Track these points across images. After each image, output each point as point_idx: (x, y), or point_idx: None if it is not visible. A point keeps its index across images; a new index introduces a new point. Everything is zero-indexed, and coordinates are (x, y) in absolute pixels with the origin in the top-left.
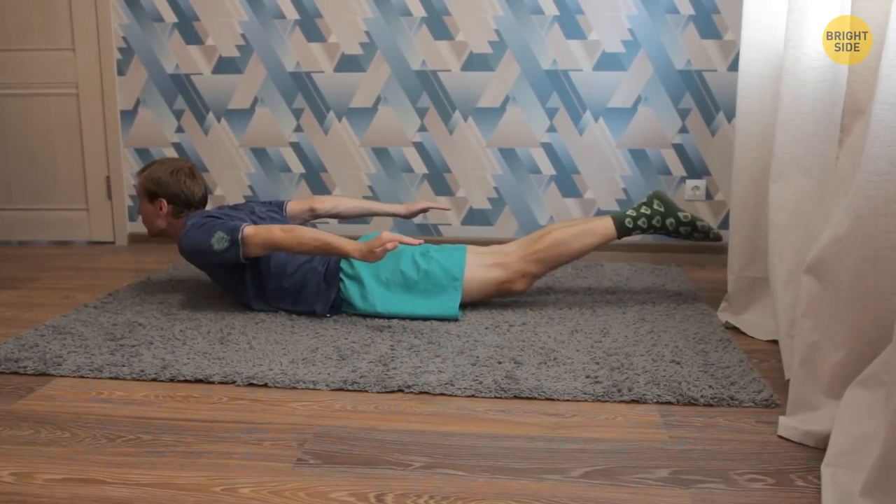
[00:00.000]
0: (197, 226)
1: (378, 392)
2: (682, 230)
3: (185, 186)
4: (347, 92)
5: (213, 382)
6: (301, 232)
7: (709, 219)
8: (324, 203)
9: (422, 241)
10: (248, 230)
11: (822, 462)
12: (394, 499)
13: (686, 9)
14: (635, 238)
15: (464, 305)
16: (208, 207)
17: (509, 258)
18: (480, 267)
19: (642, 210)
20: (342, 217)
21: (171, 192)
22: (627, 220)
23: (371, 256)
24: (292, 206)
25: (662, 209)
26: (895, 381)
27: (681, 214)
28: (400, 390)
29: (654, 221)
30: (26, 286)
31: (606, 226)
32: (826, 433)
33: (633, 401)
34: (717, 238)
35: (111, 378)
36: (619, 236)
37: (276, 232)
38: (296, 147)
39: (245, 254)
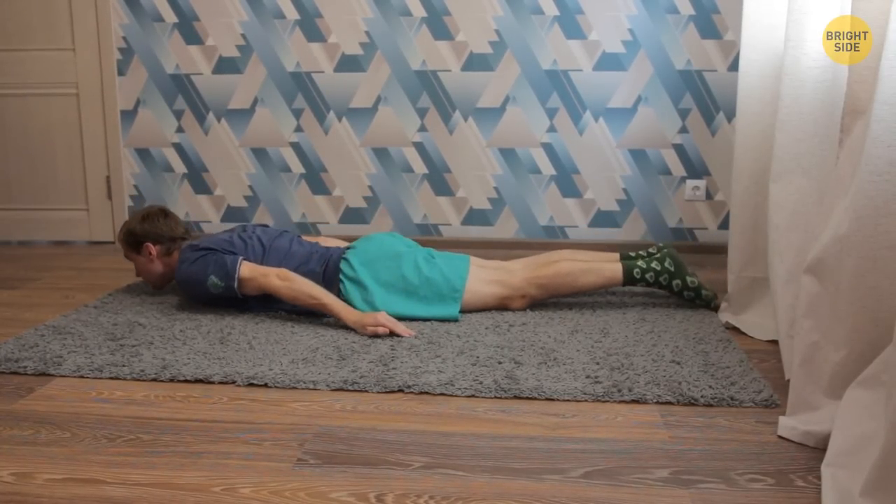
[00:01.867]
0: (190, 261)
1: (378, 392)
2: (685, 294)
3: (162, 225)
4: (347, 92)
5: (213, 382)
6: (299, 285)
7: (709, 219)
8: (327, 243)
9: (413, 333)
10: (244, 273)
11: (822, 462)
12: (394, 499)
13: (686, 9)
14: (636, 238)
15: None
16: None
17: (512, 277)
18: (482, 282)
19: (653, 265)
20: None
21: (152, 234)
22: (636, 270)
23: (361, 330)
24: None
25: (672, 269)
26: (895, 381)
27: (688, 279)
28: (400, 390)
29: (661, 279)
30: (26, 286)
31: (615, 270)
32: (826, 433)
33: (633, 401)
34: (717, 309)
35: (111, 378)
36: (624, 284)
37: (273, 280)
38: (296, 147)
39: (241, 293)
